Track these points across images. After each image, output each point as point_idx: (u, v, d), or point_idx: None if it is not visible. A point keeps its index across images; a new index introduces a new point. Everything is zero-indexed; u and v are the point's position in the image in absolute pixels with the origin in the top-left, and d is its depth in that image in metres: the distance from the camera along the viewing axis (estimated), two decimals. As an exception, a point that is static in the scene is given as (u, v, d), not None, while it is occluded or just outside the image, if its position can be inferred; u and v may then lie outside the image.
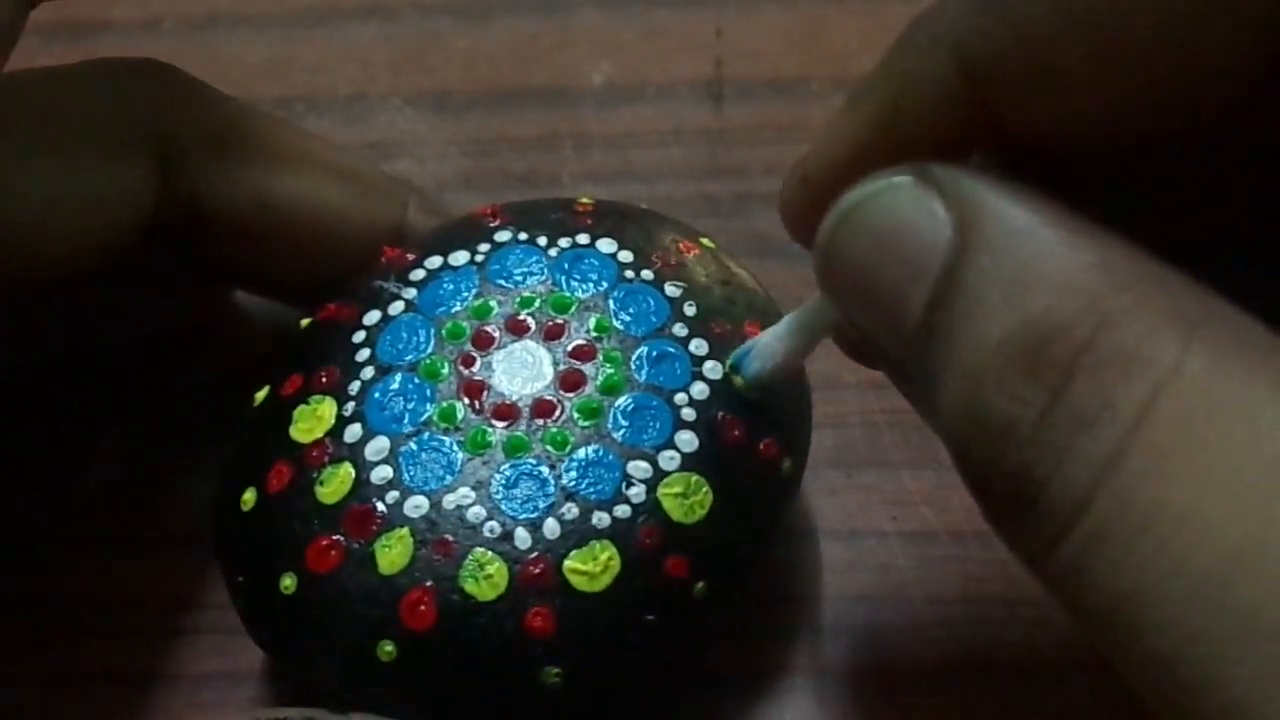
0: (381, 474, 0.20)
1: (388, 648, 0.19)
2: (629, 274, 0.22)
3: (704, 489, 0.20)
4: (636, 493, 0.20)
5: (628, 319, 0.21)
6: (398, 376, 0.21)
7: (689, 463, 0.20)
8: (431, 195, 0.25)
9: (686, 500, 0.20)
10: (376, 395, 0.21)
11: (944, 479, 0.24)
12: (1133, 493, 0.13)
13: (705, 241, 0.24)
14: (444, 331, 0.21)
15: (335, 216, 0.23)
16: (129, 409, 0.27)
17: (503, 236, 0.23)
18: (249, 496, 0.21)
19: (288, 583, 0.20)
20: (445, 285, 0.22)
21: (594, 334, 0.21)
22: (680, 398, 0.21)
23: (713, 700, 0.22)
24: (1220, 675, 0.12)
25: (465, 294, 0.22)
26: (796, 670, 0.23)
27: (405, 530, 0.20)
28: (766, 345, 0.20)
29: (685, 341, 0.21)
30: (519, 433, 0.20)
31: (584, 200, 0.24)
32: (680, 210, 0.29)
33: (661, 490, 0.20)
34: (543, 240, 0.23)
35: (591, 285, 0.22)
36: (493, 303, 0.22)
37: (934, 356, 0.15)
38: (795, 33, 0.32)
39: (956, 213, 0.15)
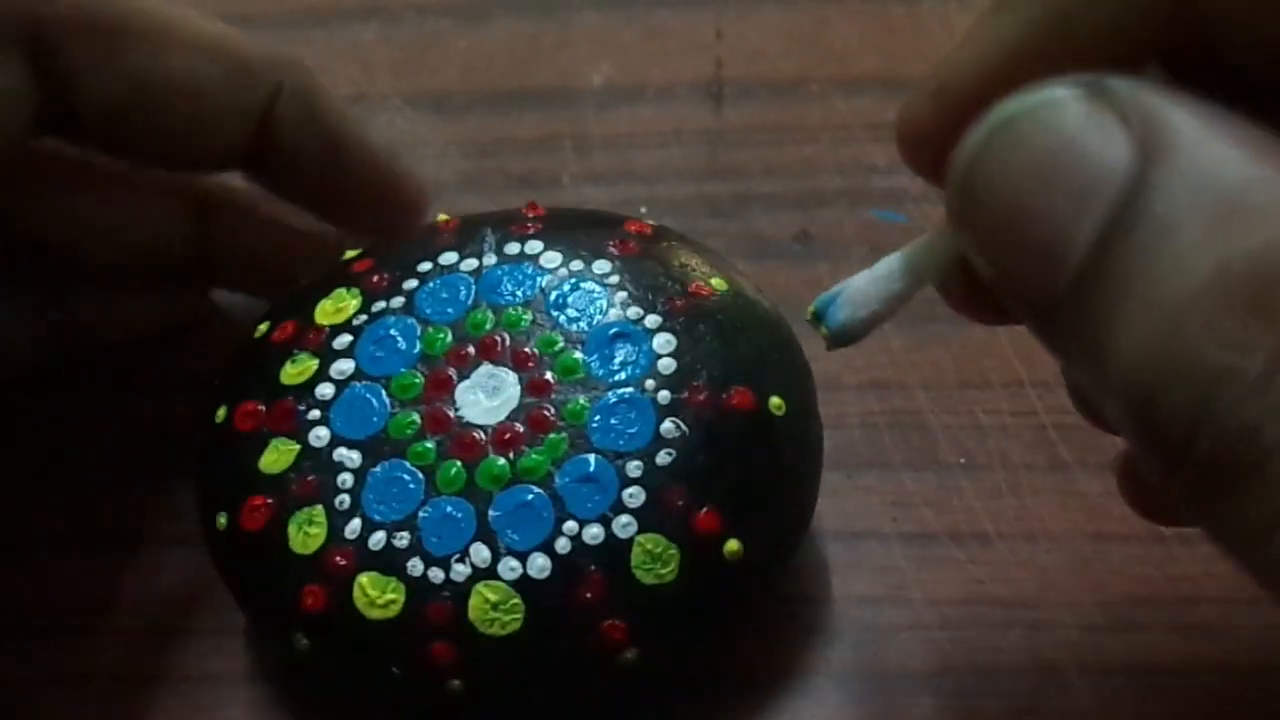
0: (342, 457, 0.21)
1: (297, 634, 0.20)
2: (561, 272, 0.22)
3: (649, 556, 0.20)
4: (564, 543, 0.19)
5: (600, 365, 0.21)
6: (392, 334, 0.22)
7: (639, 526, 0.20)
8: (312, 80, 0.24)
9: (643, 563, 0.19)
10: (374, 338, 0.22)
11: (944, 480, 0.24)
12: None
13: (718, 282, 0.22)
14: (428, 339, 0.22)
15: (207, 96, 0.22)
16: (126, 410, 0.27)
17: (532, 247, 0.23)
18: (221, 412, 0.22)
19: (222, 521, 0.21)
20: (440, 292, 0.22)
21: (561, 377, 0.21)
22: (634, 464, 0.20)
23: (713, 700, 0.22)
24: None
25: (463, 301, 0.22)
26: (797, 671, 0.23)
27: (318, 509, 0.20)
28: (859, 289, 0.17)
29: (654, 396, 0.20)
30: (471, 461, 0.20)
31: (634, 223, 0.23)
32: (680, 211, 0.29)
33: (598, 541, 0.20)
34: (556, 260, 0.22)
35: (524, 293, 0.22)
36: (483, 316, 0.22)
37: (1105, 298, 0.13)
38: (795, 33, 0.32)
39: (1140, 131, 0.13)
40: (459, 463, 0.20)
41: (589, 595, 0.19)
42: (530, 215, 0.23)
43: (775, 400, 0.21)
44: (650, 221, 0.24)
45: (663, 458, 0.20)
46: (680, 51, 0.32)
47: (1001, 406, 0.25)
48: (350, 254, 0.24)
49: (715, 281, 0.22)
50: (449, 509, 0.20)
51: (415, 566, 0.19)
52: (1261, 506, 0.12)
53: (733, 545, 0.20)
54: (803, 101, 0.31)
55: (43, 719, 0.23)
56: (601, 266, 0.22)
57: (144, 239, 0.24)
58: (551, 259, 0.22)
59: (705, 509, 0.20)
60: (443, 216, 0.24)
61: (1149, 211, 0.12)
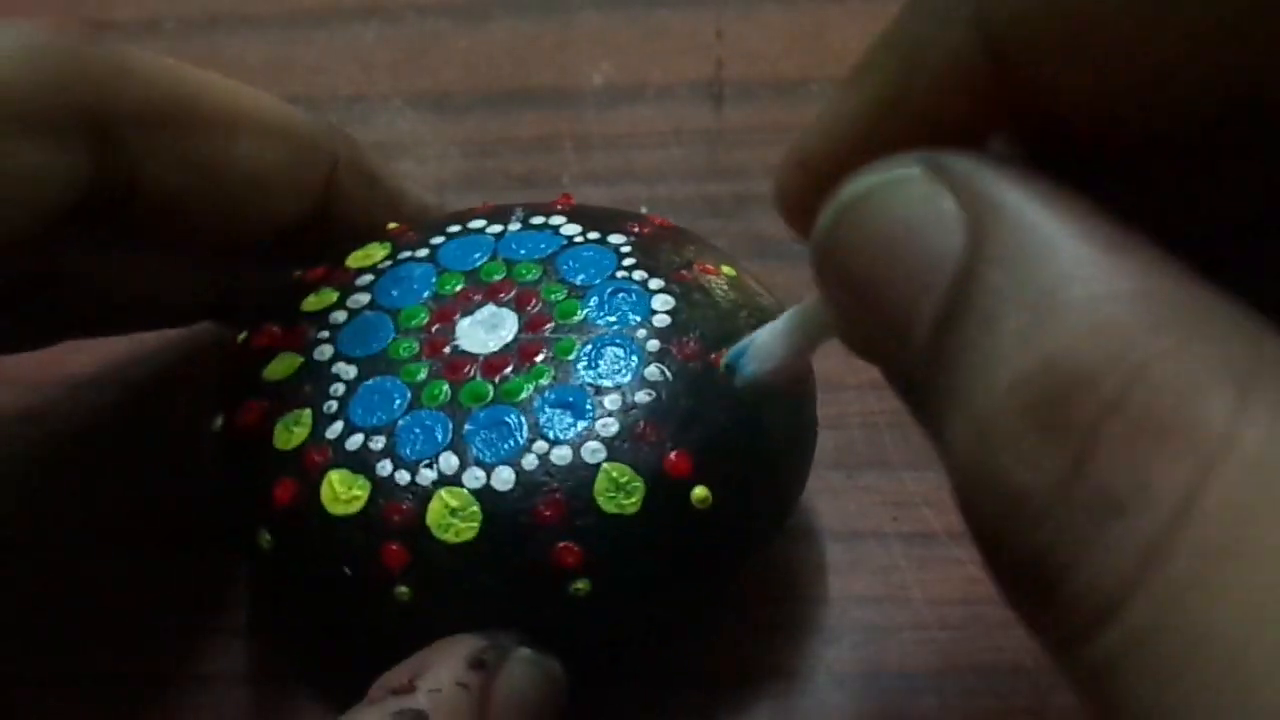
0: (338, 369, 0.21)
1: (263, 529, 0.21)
2: (578, 239, 0.23)
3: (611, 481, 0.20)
4: (531, 460, 0.20)
5: (597, 311, 0.21)
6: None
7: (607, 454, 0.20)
8: (358, 145, 0.24)
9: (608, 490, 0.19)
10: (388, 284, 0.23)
11: (945, 480, 0.24)
12: (1178, 604, 0.10)
13: (727, 270, 0.23)
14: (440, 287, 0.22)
15: (271, 179, 0.22)
16: (125, 410, 0.27)
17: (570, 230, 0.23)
18: (243, 335, 0.23)
19: (218, 423, 0.22)
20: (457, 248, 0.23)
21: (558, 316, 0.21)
22: (612, 397, 0.20)
23: (713, 700, 0.22)
24: None
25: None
26: (797, 671, 0.23)
27: (306, 412, 0.21)
28: (764, 344, 0.19)
29: (644, 343, 0.21)
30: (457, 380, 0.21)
31: (658, 218, 0.24)
32: (680, 211, 0.29)
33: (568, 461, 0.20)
34: (575, 230, 0.23)
35: (539, 251, 0.23)
36: (496, 266, 0.22)
37: (941, 385, 0.13)
38: (796, 33, 0.32)
39: (970, 215, 0.13)
40: (446, 383, 0.21)
41: (547, 513, 0.19)
42: (560, 203, 0.24)
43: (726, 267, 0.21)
44: (676, 224, 0.24)
45: (642, 396, 0.20)
46: (680, 51, 0.32)
47: (1002, 406, 0.25)
48: (393, 226, 0.24)
49: (725, 268, 0.23)
50: (427, 420, 0.20)
51: (384, 467, 0.20)
52: (1062, 621, 0.11)
53: (700, 492, 0.20)
54: (803, 102, 0.31)
55: (42, 719, 0.23)
56: (616, 239, 0.23)
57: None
58: (571, 229, 0.23)
59: (676, 451, 0.20)
60: (484, 203, 0.25)
61: (974, 303, 0.12)
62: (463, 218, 0.24)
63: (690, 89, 0.31)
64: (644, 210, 0.29)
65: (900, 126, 0.14)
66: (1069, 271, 0.12)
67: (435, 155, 0.30)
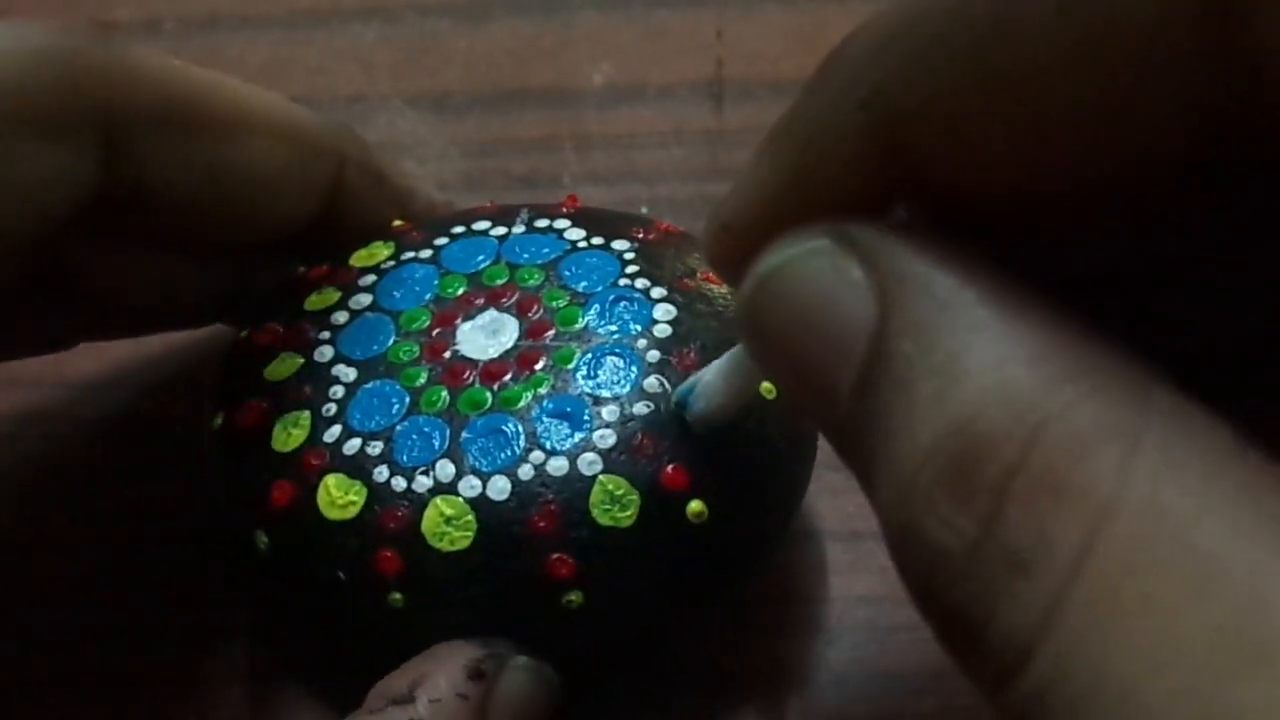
0: (328, 357, 0.22)
1: (259, 531, 0.21)
2: (581, 244, 0.23)
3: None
4: (527, 470, 0.20)
5: (598, 320, 0.21)
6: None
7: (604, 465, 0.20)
8: (366, 144, 0.24)
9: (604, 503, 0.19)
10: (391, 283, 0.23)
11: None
12: (1073, 656, 0.11)
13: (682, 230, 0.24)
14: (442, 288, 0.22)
15: (280, 180, 0.23)
16: (126, 409, 0.27)
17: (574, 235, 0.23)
18: (245, 332, 0.23)
19: (218, 420, 0.22)
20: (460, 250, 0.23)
21: (558, 323, 0.21)
22: (610, 408, 0.20)
23: (713, 700, 0.22)
24: None
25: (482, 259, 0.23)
26: (798, 671, 0.23)
27: (305, 414, 0.21)
28: (709, 384, 0.19)
29: (643, 353, 0.21)
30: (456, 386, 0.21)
31: (666, 224, 0.24)
32: (680, 211, 0.29)
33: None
34: (579, 235, 0.23)
35: (542, 256, 0.22)
36: (499, 270, 0.22)
37: (865, 447, 0.13)
38: (796, 33, 0.32)
39: (877, 285, 0.13)
40: (445, 389, 0.21)
41: (542, 524, 0.19)
42: (567, 204, 0.24)
43: (765, 384, 0.20)
44: (682, 229, 0.24)
45: (640, 408, 0.20)
46: (681, 51, 0.32)
47: (1002, 406, 0.25)
48: (399, 223, 0.24)
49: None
50: (425, 426, 0.20)
51: (381, 473, 0.20)
52: (984, 670, 0.12)
53: (696, 506, 0.20)
54: (803, 101, 0.31)
55: (42, 718, 0.23)
56: (620, 245, 0.23)
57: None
58: (575, 234, 0.23)
59: (673, 465, 0.20)
60: (491, 202, 0.25)
61: (887, 370, 0.13)
62: (468, 218, 0.24)
63: (690, 89, 0.31)
64: (645, 210, 0.29)
65: (806, 197, 0.15)
66: (970, 337, 0.13)
67: (435, 155, 0.30)
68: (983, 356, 0.12)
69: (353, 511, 0.20)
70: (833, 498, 0.24)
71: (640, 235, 0.23)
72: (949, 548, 0.12)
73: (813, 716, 0.22)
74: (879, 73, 0.14)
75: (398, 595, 0.20)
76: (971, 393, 0.12)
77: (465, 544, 0.19)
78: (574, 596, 0.19)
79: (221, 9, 0.33)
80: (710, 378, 0.19)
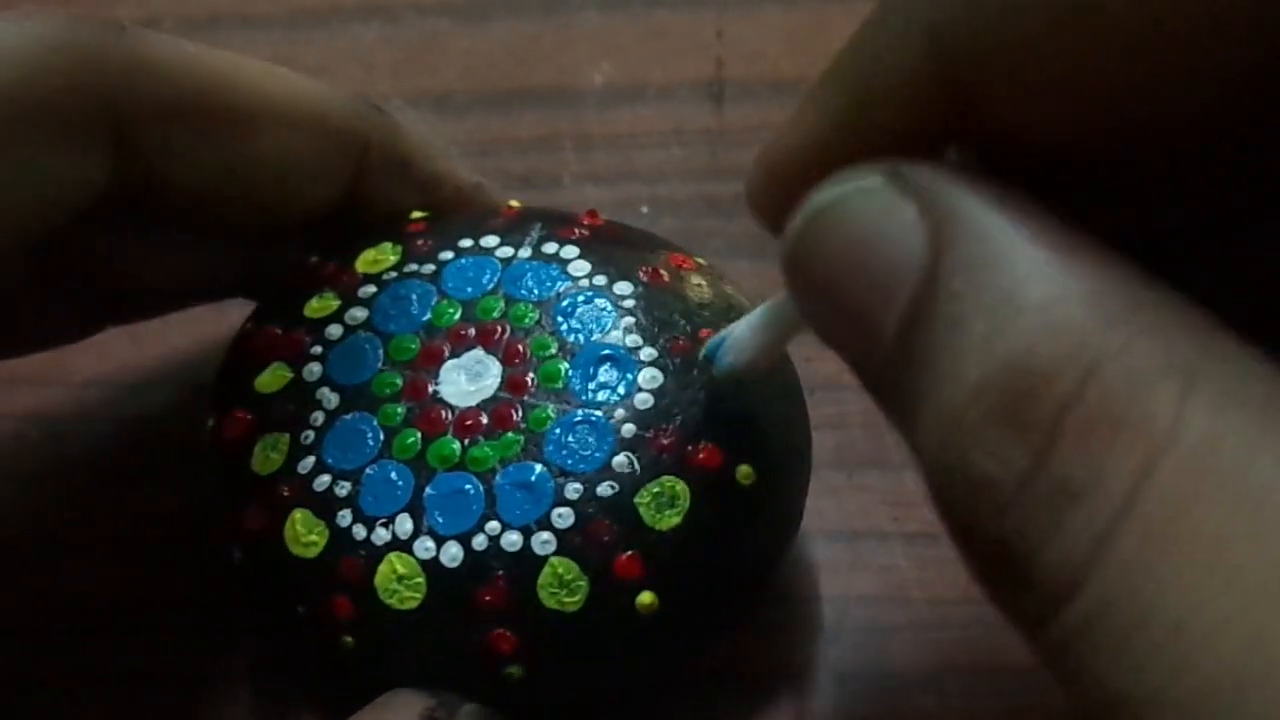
0: (313, 370, 0.22)
1: (235, 548, 0.21)
2: (583, 281, 0.22)
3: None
4: (481, 540, 0.20)
5: (579, 381, 0.21)
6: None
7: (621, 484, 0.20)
8: (392, 127, 0.23)
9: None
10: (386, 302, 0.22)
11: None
12: (1125, 583, 0.11)
13: (700, 260, 0.23)
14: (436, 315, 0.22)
15: (300, 170, 0.22)
16: (126, 408, 0.27)
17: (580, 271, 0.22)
18: (248, 325, 0.23)
19: (210, 423, 0.22)
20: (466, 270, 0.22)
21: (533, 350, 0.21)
22: (573, 486, 0.20)
23: (713, 700, 0.22)
24: None
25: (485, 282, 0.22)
26: (797, 670, 0.23)
27: (285, 438, 0.21)
28: (740, 337, 0.19)
29: (619, 426, 0.20)
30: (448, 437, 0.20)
31: (680, 257, 0.23)
32: (681, 211, 0.29)
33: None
34: (582, 270, 0.22)
35: (540, 291, 0.22)
36: (495, 303, 0.22)
37: (909, 386, 0.13)
38: (796, 33, 0.32)
39: (931, 223, 0.13)
40: (418, 434, 0.21)
41: (488, 599, 0.19)
42: (585, 222, 0.23)
43: (744, 469, 0.20)
44: (701, 260, 0.23)
45: (604, 489, 0.20)
46: (681, 51, 0.32)
47: (1002, 406, 0.25)
48: (417, 214, 0.24)
49: (699, 260, 0.22)
50: (393, 474, 0.20)
51: (344, 518, 0.20)
52: (1027, 603, 0.12)
53: (646, 598, 0.19)
54: (803, 101, 0.31)
55: (42, 719, 0.23)
56: (622, 288, 0.22)
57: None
58: (579, 268, 0.22)
59: (629, 553, 0.19)
60: (514, 203, 0.24)
61: (938, 308, 0.13)
62: (479, 228, 0.23)
63: (690, 89, 0.31)
64: (644, 210, 0.29)
65: (861, 138, 0.15)
66: (1025, 275, 0.13)
67: (442, 150, 0.30)
68: (1037, 294, 0.12)
69: (314, 552, 0.20)
70: (832, 497, 0.24)
71: (648, 276, 0.22)
72: (997, 479, 0.12)
73: (813, 716, 0.22)
74: (941, 9, 0.14)
75: (349, 639, 0.20)
76: (1025, 330, 0.12)
77: (413, 604, 0.19)
78: (514, 670, 0.19)
79: (221, 8, 0.33)
80: (741, 330, 0.19)
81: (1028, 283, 0.13)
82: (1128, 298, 0.12)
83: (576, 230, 0.23)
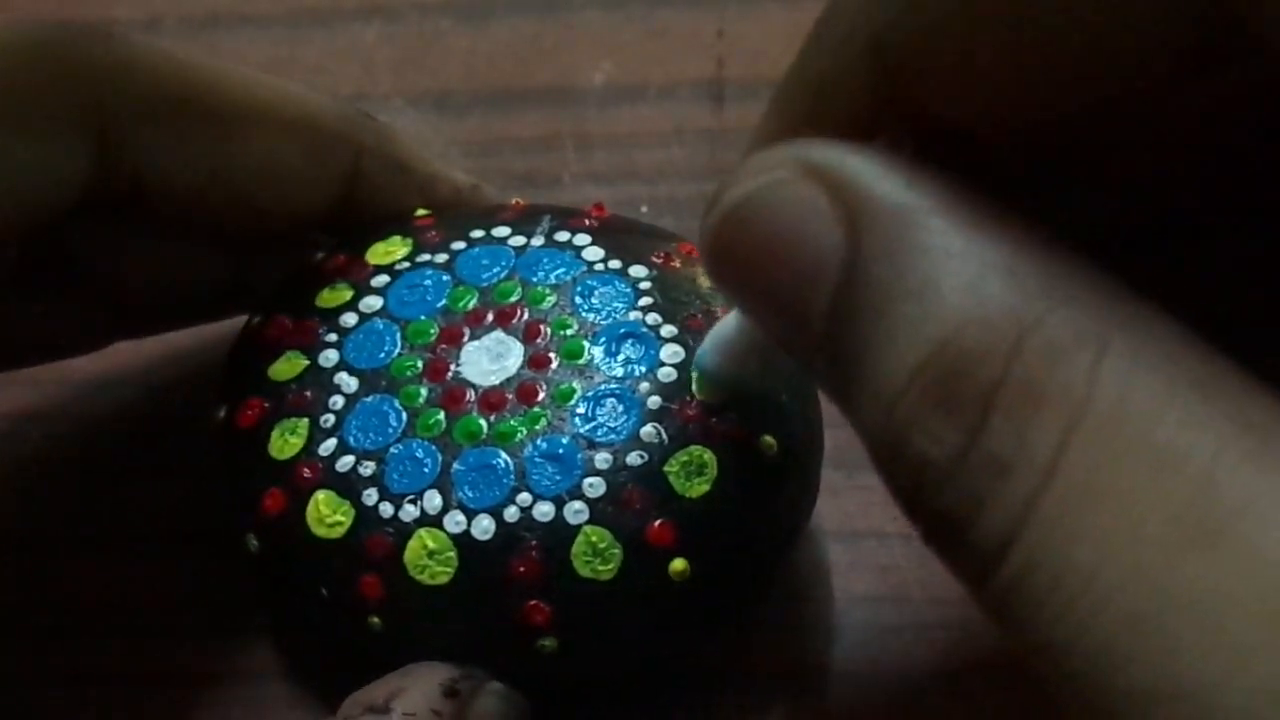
0: (329, 356, 0.21)
1: (251, 533, 0.21)
2: (598, 266, 0.22)
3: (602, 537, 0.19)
4: (513, 512, 0.19)
5: (603, 357, 0.21)
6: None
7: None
8: (387, 132, 0.24)
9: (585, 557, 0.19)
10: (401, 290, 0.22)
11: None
12: (1047, 543, 0.12)
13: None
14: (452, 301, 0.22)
15: (289, 176, 0.22)
16: (128, 408, 0.27)
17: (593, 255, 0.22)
18: (256, 319, 0.23)
19: (221, 414, 0.22)
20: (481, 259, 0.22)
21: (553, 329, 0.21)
22: (603, 456, 0.20)
23: (712, 699, 0.22)
24: None
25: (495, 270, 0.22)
26: (797, 671, 0.23)
27: (304, 422, 0.21)
28: (721, 334, 0.19)
29: (644, 398, 0.20)
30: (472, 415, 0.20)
31: (690, 245, 0.23)
32: (681, 210, 0.29)
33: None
34: (597, 255, 0.22)
35: (556, 276, 0.22)
36: (511, 287, 0.22)
37: (844, 370, 0.14)
38: (797, 33, 0.32)
39: (844, 211, 0.14)
40: (442, 412, 0.21)
41: (522, 569, 0.19)
42: (592, 214, 0.23)
43: (767, 439, 0.20)
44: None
45: (634, 458, 0.20)
46: (682, 51, 0.32)
47: (1003, 406, 0.25)
48: (421, 212, 0.24)
49: None
50: (418, 452, 0.20)
51: (370, 496, 0.20)
52: (967, 565, 0.13)
53: (679, 565, 0.19)
54: (804, 101, 0.31)
55: (44, 719, 0.23)
56: (637, 271, 0.22)
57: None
58: (593, 254, 0.22)
59: (660, 520, 0.19)
60: (516, 200, 0.25)
61: (862, 297, 0.13)
62: (490, 219, 0.23)
63: (691, 88, 0.31)
64: (644, 210, 0.29)
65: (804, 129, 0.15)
66: (943, 256, 0.13)
67: (436, 155, 0.30)
68: (958, 275, 0.13)
69: (339, 532, 0.20)
70: (833, 497, 0.24)
71: (661, 260, 0.22)
72: (935, 458, 0.13)
73: (814, 716, 0.22)
74: (878, 17, 0.14)
75: (376, 619, 0.20)
76: (950, 311, 0.13)
77: (445, 579, 0.19)
78: (548, 642, 0.19)
79: (222, 8, 0.33)
80: (720, 330, 0.19)
81: (948, 264, 0.13)
82: (1043, 271, 0.13)
83: (586, 221, 0.23)
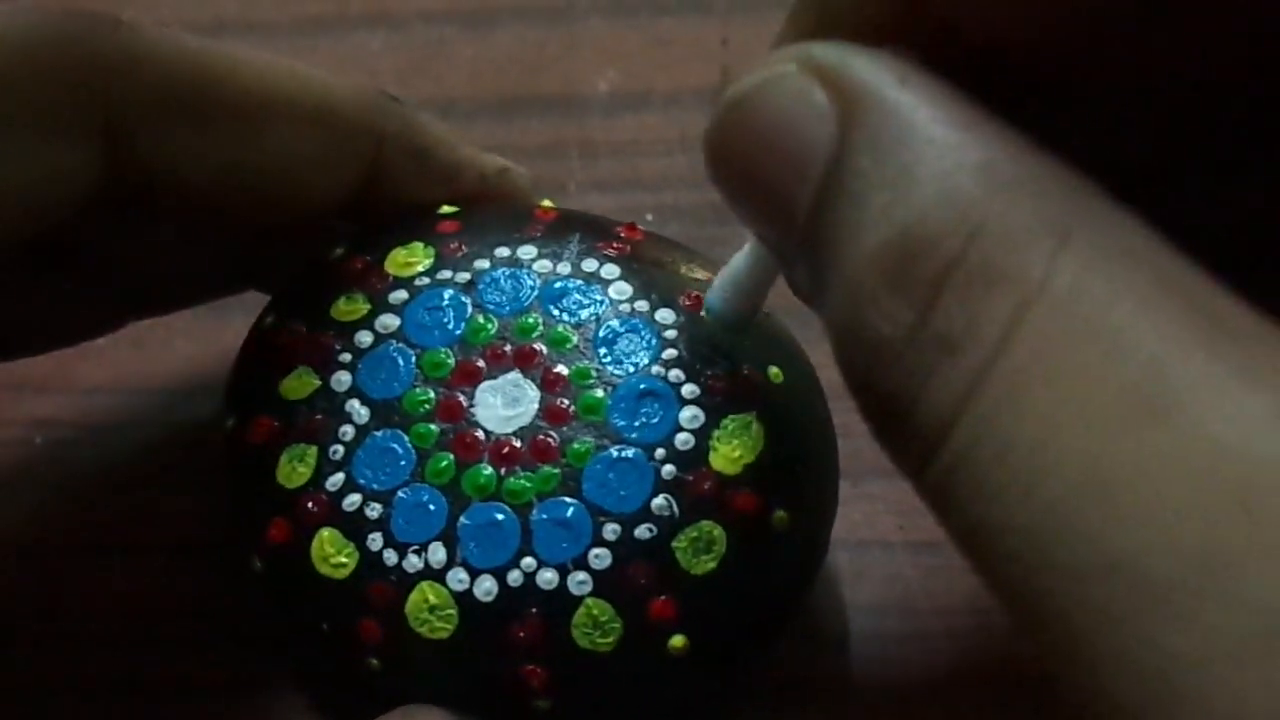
0: (342, 380, 0.21)
1: (255, 557, 0.21)
2: (624, 306, 0.21)
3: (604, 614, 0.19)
4: (516, 576, 0.19)
5: (620, 417, 0.20)
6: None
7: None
8: (409, 119, 0.23)
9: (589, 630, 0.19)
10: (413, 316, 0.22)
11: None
12: (990, 422, 0.12)
13: (773, 372, 0.21)
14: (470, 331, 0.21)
15: (307, 168, 0.21)
16: (132, 414, 0.27)
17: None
18: (269, 319, 0.22)
19: (230, 423, 0.22)
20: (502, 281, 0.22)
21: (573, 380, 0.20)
22: (611, 527, 0.19)
23: (717, 709, 0.22)
24: (1062, 609, 0.12)
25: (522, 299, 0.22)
26: (802, 680, 0.23)
27: (313, 450, 0.20)
28: (730, 275, 0.19)
29: (659, 466, 0.20)
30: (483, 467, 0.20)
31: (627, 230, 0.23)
32: (685, 218, 0.29)
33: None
34: (624, 293, 0.21)
35: (581, 315, 0.21)
36: (534, 322, 0.21)
37: (819, 260, 0.14)
38: (801, 41, 0.32)
39: (839, 105, 0.14)
40: (451, 457, 0.20)
41: (520, 635, 0.19)
42: (623, 235, 0.23)
43: (780, 514, 0.20)
44: None
45: (642, 531, 0.19)
46: (686, 59, 0.32)
47: (1008, 415, 0.25)
48: (446, 209, 0.23)
49: (773, 371, 0.21)
50: (426, 499, 0.20)
51: (375, 541, 0.20)
52: (910, 450, 0.13)
53: (678, 641, 0.19)
54: (809, 109, 0.31)
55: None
56: (665, 316, 0.21)
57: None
58: (620, 290, 0.21)
59: (664, 597, 0.19)
60: (546, 203, 0.24)
61: (844, 186, 0.14)
62: (517, 232, 0.22)
63: (696, 96, 0.31)
64: (649, 217, 0.29)
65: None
66: (924, 151, 0.13)
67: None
68: (934, 168, 0.13)
69: (342, 574, 0.20)
70: (839, 506, 0.24)
71: (690, 305, 0.21)
72: (887, 337, 0.13)
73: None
74: None
75: (375, 662, 0.20)
76: (920, 199, 0.13)
77: (445, 635, 0.19)
78: (543, 703, 0.19)
79: (227, 15, 0.33)
80: (729, 273, 0.19)
81: (926, 156, 0.13)
82: (1016, 167, 0.13)
83: (615, 245, 0.22)
